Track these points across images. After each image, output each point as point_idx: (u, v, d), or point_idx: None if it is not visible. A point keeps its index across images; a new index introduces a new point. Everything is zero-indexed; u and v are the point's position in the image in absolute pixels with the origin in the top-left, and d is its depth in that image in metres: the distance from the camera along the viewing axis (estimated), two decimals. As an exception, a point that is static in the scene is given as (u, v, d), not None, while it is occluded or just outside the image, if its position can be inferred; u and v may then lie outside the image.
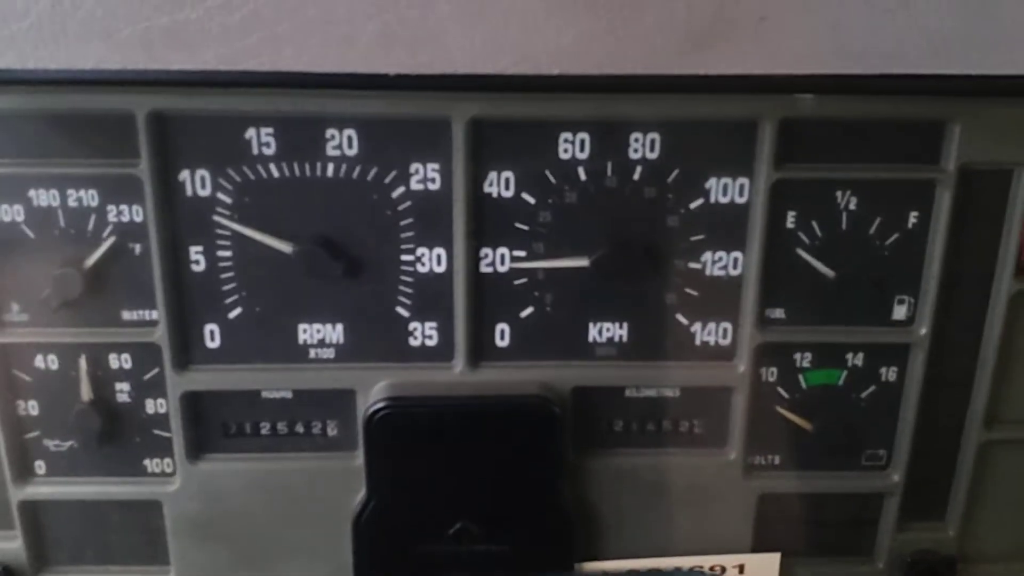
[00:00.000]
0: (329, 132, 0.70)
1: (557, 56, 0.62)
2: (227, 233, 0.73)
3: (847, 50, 0.63)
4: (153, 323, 0.75)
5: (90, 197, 0.72)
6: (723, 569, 0.82)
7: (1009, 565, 0.85)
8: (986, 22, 0.63)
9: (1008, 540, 0.85)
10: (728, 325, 0.77)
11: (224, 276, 0.74)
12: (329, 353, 0.77)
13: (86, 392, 0.76)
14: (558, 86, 0.64)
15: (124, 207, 0.72)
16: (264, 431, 0.79)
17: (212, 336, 0.76)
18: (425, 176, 0.72)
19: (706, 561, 0.82)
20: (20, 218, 0.72)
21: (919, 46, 0.63)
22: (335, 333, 0.77)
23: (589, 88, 0.65)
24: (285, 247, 0.73)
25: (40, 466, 0.79)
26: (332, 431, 0.80)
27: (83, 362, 0.76)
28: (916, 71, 0.63)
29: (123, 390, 0.77)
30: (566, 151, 0.72)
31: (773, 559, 0.83)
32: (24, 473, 0.79)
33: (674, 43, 0.62)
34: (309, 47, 0.60)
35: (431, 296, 0.76)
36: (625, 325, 0.77)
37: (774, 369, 0.79)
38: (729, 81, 0.64)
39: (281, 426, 0.79)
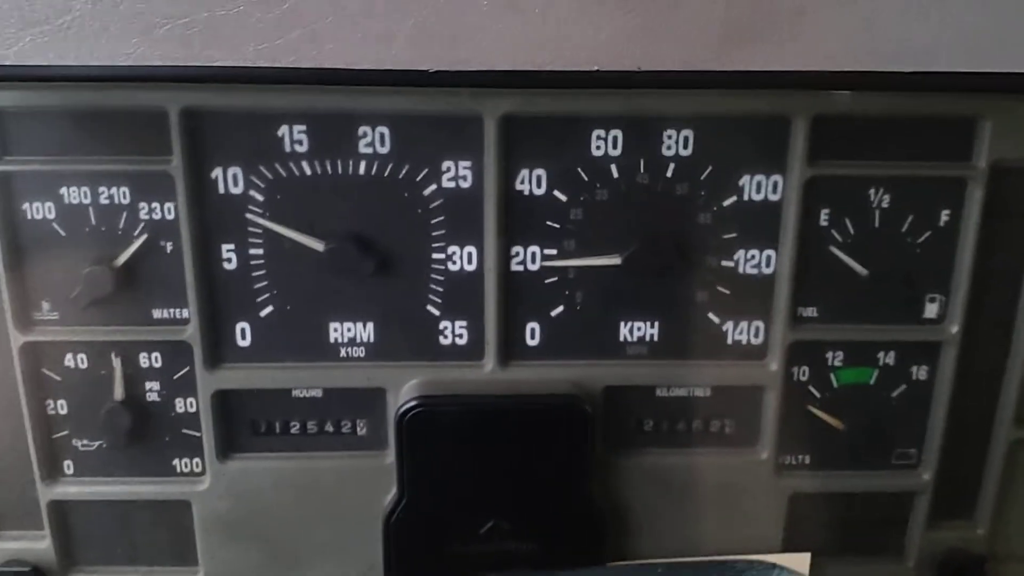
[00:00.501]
0: (361, 129, 0.71)
1: (594, 52, 0.62)
2: (259, 231, 0.73)
3: (882, 47, 0.63)
4: (184, 321, 0.75)
5: (122, 194, 0.72)
6: (754, 568, 0.82)
7: (1039, 564, 0.85)
8: (1019, 20, 0.63)
9: (1038, 538, 0.85)
10: (760, 323, 0.77)
11: (256, 274, 0.74)
12: (360, 352, 0.77)
13: (118, 391, 0.76)
14: (594, 82, 0.64)
15: (156, 204, 0.72)
16: (294, 430, 0.79)
17: (243, 335, 0.76)
18: (456, 174, 0.72)
19: (737, 561, 0.82)
20: (51, 215, 0.72)
21: (953, 44, 0.63)
22: (366, 332, 0.76)
23: (625, 85, 0.65)
24: (317, 245, 0.73)
25: (69, 466, 0.79)
26: (362, 430, 0.80)
27: (115, 360, 0.76)
28: (950, 68, 0.63)
29: (153, 389, 0.77)
30: (598, 148, 0.72)
31: (804, 559, 0.82)
32: (53, 473, 0.79)
33: (711, 39, 0.62)
34: (348, 43, 0.60)
35: (462, 294, 0.76)
36: (656, 324, 0.77)
37: (806, 368, 0.79)
38: (765, 77, 0.64)
39: (311, 425, 0.79)
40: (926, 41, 0.63)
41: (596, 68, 0.62)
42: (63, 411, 0.78)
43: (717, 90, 0.68)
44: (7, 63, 0.60)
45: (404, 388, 0.77)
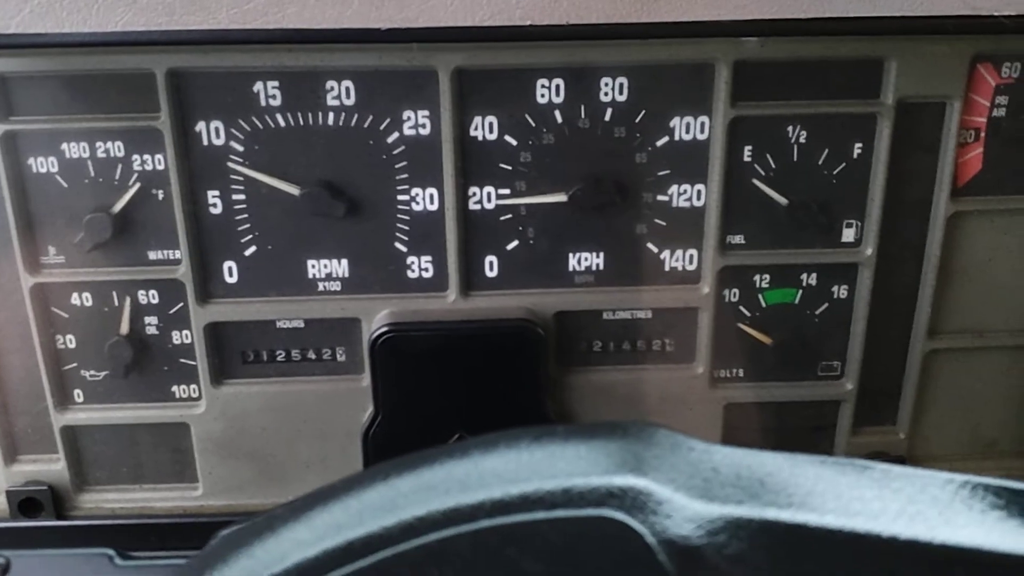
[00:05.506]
0: (328, 84, 0.78)
1: (527, 8, 0.70)
2: (240, 178, 0.81)
3: (784, -4, 0.70)
4: (176, 261, 0.83)
5: (116, 148, 0.80)
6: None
7: (953, 463, 0.93)
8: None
9: (952, 440, 0.93)
10: (693, 251, 0.85)
11: (239, 217, 0.82)
12: (336, 286, 0.85)
13: (125, 326, 0.84)
14: (528, 35, 0.71)
15: (147, 157, 0.80)
16: (279, 357, 0.88)
17: (230, 272, 0.84)
18: (416, 122, 0.80)
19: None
20: (54, 169, 0.80)
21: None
22: (340, 268, 0.85)
23: (556, 36, 0.72)
24: (292, 190, 0.81)
25: (78, 394, 0.88)
26: (340, 356, 0.88)
27: (118, 298, 0.84)
28: (844, 14, 0.71)
29: (151, 323, 0.86)
30: (543, 96, 0.80)
31: (740, 462, 0.91)
32: (64, 401, 0.88)
33: (631, -6, 0.70)
34: (309, 5, 0.68)
35: (425, 232, 0.84)
36: (601, 254, 0.85)
37: (736, 290, 0.87)
38: (680, 27, 0.71)
39: (295, 352, 0.88)
40: (823, -11, 0.71)
41: (530, 23, 0.70)
42: (71, 345, 0.86)
43: (644, 40, 0.76)
44: (10, 31, 0.67)
45: (376, 317, 0.85)
